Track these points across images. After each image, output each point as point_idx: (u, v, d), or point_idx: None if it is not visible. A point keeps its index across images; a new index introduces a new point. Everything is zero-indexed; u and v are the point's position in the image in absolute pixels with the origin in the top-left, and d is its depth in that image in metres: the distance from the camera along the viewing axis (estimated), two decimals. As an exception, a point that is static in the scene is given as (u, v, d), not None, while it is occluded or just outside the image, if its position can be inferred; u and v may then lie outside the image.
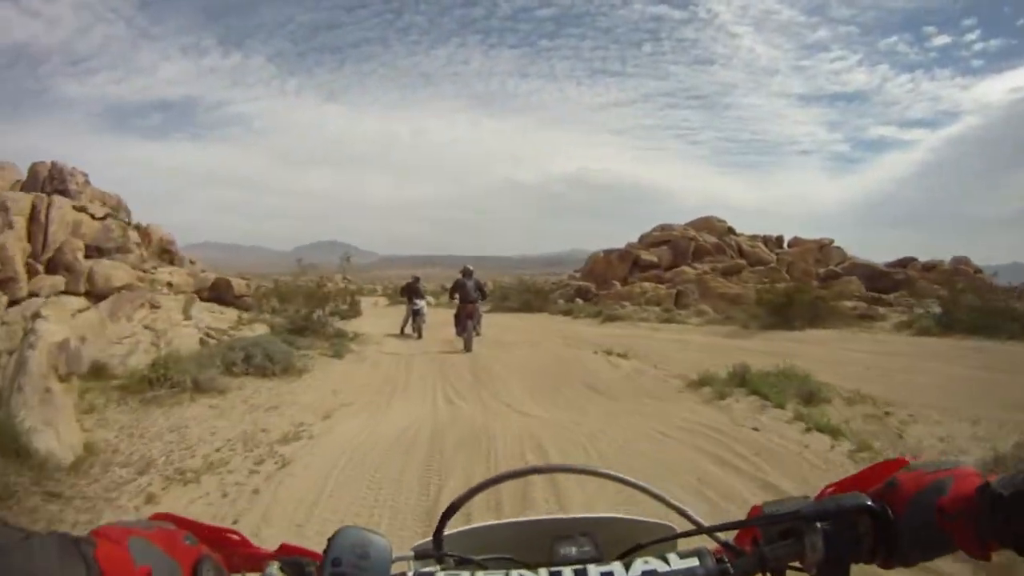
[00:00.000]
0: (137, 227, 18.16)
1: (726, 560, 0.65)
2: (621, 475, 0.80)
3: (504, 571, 0.64)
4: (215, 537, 0.66)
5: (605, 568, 0.63)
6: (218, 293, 17.34)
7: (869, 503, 0.63)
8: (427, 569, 0.69)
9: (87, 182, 22.39)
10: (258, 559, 0.66)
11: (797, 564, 0.65)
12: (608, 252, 35.46)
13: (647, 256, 33.35)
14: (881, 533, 0.63)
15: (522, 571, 0.64)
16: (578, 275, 36.95)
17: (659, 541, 0.77)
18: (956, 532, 0.59)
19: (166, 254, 23.83)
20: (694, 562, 0.63)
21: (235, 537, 0.68)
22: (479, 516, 2.46)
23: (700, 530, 0.72)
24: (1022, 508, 0.54)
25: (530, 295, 28.66)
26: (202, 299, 15.97)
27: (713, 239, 34.28)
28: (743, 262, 31.65)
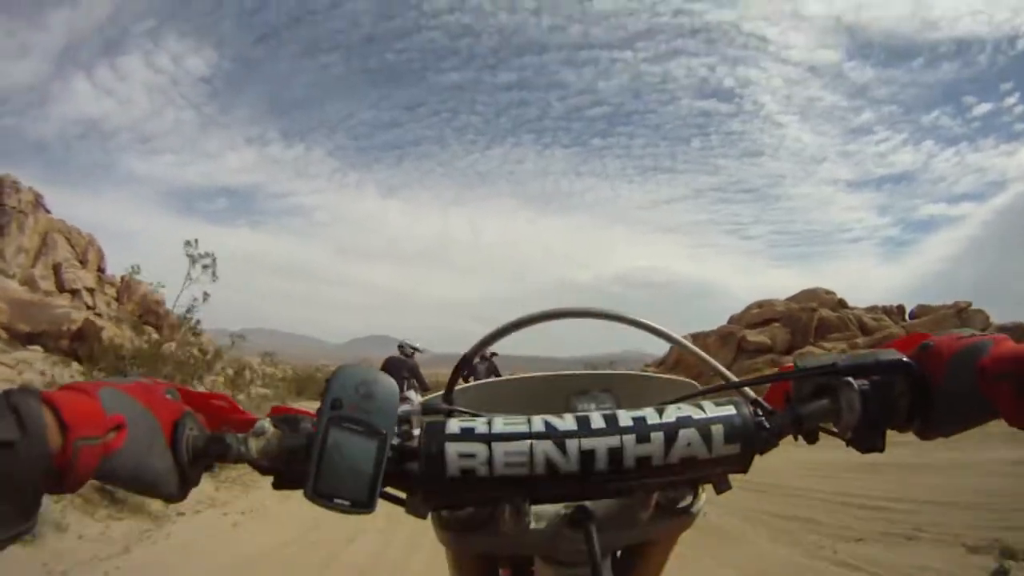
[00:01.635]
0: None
1: (760, 415, 0.60)
2: (648, 322, 0.76)
3: (525, 417, 0.57)
4: (200, 400, 0.60)
5: (637, 413, 0.57)
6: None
7: (907, 360, 0.59)
8: (437, 418, 0.59)
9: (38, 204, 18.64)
10: (247, 423, 0.58)
11: (831, 427, 0.62)
12: (702, 335, 27.91)
13: (755, 337, 25.69)
14: (917, 397, 0.59)
15: (546, 417, 0.57)
16: (654, 369, 29.24)
17: (684, 398, 0.65)
18: (999, 396, 0.54)
19: (152, 315, 22.90)
20: (731, 410, 0.58)
21: (222, 403, 0.61)
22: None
23: (728, 385, 0.69)
24: None
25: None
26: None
27: (831, 313, 26.68)
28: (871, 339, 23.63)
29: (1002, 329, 22.66)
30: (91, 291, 19.06)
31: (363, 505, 0.53)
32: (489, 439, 0.55)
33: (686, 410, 0.58)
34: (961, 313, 25.18)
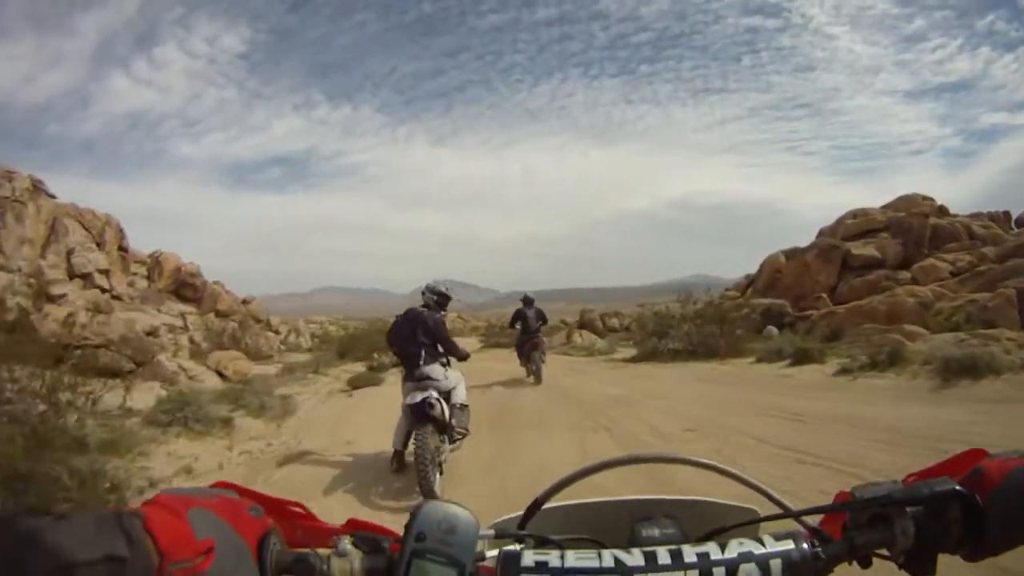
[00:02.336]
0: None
1: (817, 545, 0.63)
2: (714, 463, 0.79)
3: (596, 551, 0.60)
4: (279, 510, 0.62)
5: (701, 548, 0.60)
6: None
7: (959, 488, 0.61)
8: (515, 548, 0.63)
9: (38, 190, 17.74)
10: (325, 534, 0.62)
11: (884, 552, 0.64)
12: (798, 251, 24.14)
13: (861, 251, 21.86)
14: (969, 521, 0.61)
15: (614, 552, 0.60)
16: (736, 294, 26.12)
17: (745, 524, 0.74)
18: None
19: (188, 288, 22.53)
20: (789, 544, 0.61)
21: (299, 510, 0.63)
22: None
23: (787, 514, 0.71)
24: None
25: (708, 327, 16.43)
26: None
27: (940, 220, 22.54)
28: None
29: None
30: (105, 272, 17.65)
31: None
32: (562, 574, 0.58)
33: (747, 545, 0.60)
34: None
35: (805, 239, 25.34)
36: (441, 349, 5.68)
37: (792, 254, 24.76)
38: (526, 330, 11.72)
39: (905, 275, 20.00)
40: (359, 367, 16.52)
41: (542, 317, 11.88)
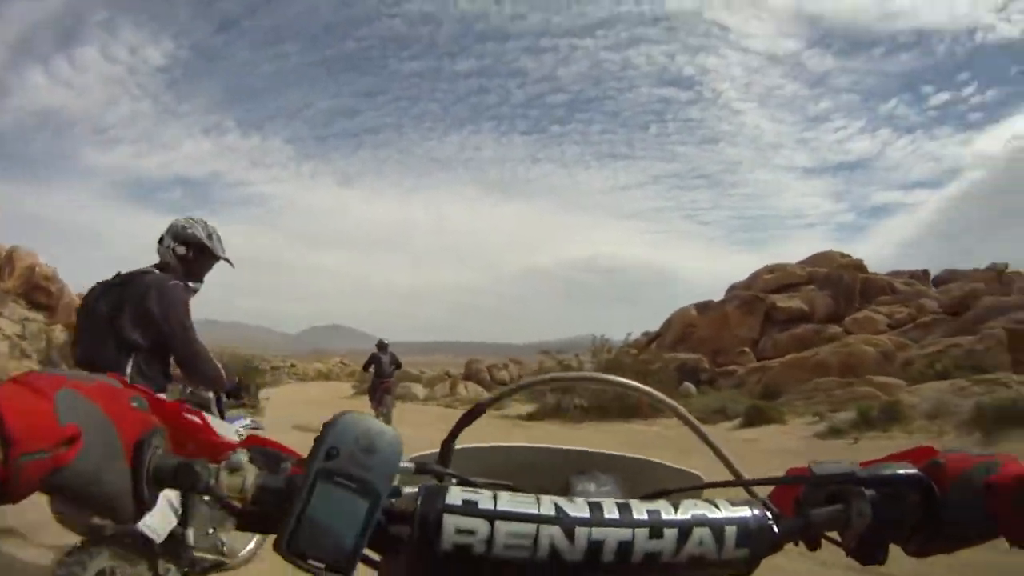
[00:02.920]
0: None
1: (771, 518, 0.56)
2: (659, 394, 0.72)
3: (534, 497, 0.52)
4: (171, 413, 0.53)
5: (652, 506, 0.53)
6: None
7: (921, 473, 0.58)
8: (438, 484, 0.55)
9: None
10: (221, 448, 0.52)
11: (834, 536, 0.59)
12: (713, 305, 21.55)
13: (786, 304, 19.54)
14: (925, 512, 0.58)
15: (556, 499, 0.51)
16: (635, 350, 23.14)
17: (689, 489, 0.66)
18: (1003, 516, 0.54)
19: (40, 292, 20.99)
20: (746, 512, 0.54)
21: (195, 420, 0.54)
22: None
23: (738, 482, 0.66)
24: None
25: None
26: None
27: (874, 275, 21.11)
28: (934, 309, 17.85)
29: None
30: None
31: (340, 570, 0.46)
32: (493, 516, 0.49)
33: (702, 507, 0.54)
34: (1002, 276, 19.73)
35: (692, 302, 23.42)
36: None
37: (705, 307, 22.29)
38: (379, 374, 11.47)
39: (835, 329, 17.85)
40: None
41: (396, 362, 11.76)
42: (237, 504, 0.48)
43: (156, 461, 0.48)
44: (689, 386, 16.26)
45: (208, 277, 2.93)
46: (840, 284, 19.83)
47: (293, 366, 46.50)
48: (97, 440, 0.43)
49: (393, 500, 0.51)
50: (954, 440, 7.28)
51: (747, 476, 0.65)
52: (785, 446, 8.71)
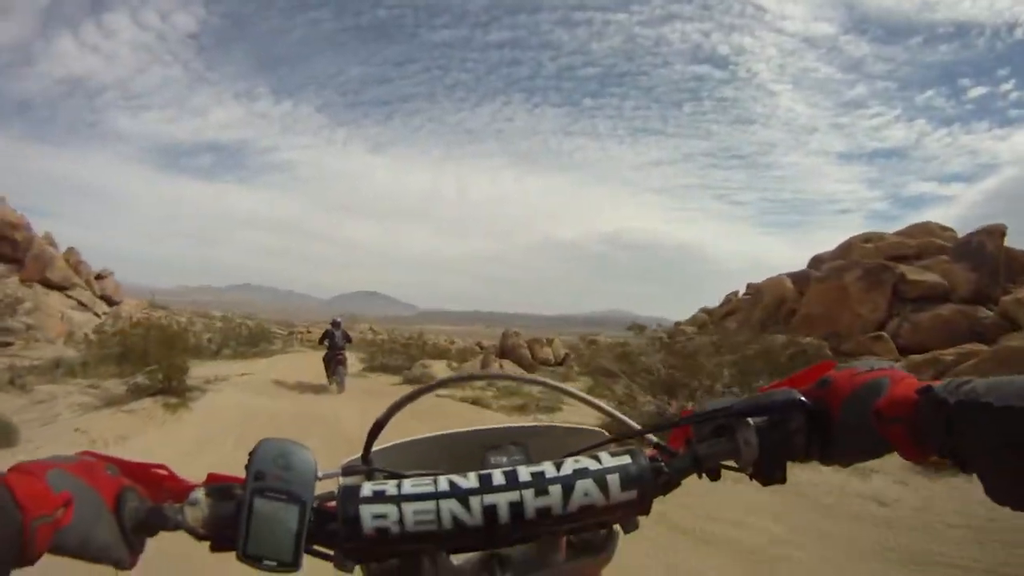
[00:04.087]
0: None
1: (661, 460, 0.66)
2: (552, 382, 0.88)
3: (432, 478, 0.63)
4: (139, 471, 0.63)
5: (536, 468, 0.63)
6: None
7: (800, 398, 0.63)
8: (353, 481, 0.66)
9: None
10: (185, 490, 0.63)
11: (732, 464, 0.65)
12: (828, 273, 17.49)
13: (919, 277, 15.61)
14: (814, 431, 0.63)
15: (450, 477, 0.62)
16: (692, 329, 19.74)
17: (592, 447, 0.72)
18: (893, 436, 0.58)
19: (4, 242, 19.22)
20: (626, 459, 0.63)
21: (161, 472, 0.64)
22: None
23: (632, 433, 0.74)
24: (966, 418, 0.52)
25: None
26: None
27: (1011, 248, 16.57)
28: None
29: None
30: None
31: (289, 565, 0.59)
32: (399, 500, 0.60)
33: (583, 462, 0.63)
34: None
35: (728, 284, 19.88)
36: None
37: (802, 278, 18.38)
38: (332, 347, 13.19)
39: (985, 313, 13.82)
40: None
41: (347, 338, 13.69)
42: (202, 531, 0.60)
43: (133, 512, 0.58)
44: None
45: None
46: (981, 255, 15.61)
47: (309, 332, 43.09)
48: (85, 503, 0.54)
49: (328, 502, 0.63)
50: None
51: (640, 427, 0.76)
52: None
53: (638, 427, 0.76)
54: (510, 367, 20.70)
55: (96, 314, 21.05)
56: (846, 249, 19.69)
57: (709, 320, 24.90)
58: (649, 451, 0.68)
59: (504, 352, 23.81)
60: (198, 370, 13.82)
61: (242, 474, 0.62)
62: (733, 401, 0.65)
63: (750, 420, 0.63)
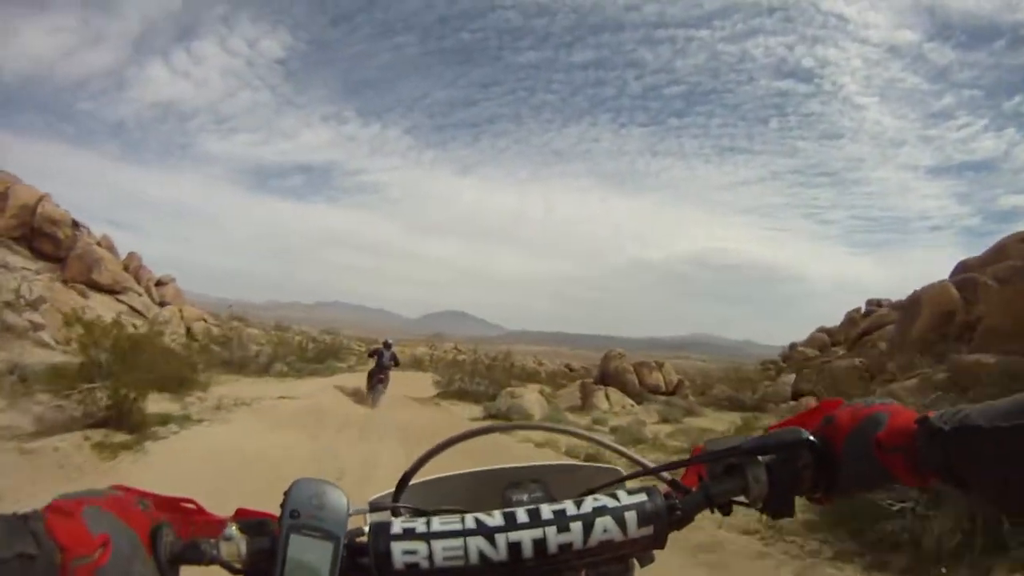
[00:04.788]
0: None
1: (675, 497, 0.68)
2: (574, 429, 0.96)
3: (459, 515, 0.65)
4: (169, 505, 0.65)
5: (557, 506, 0.65)
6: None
7: (807, 436, 0.66)
8: (383, 519, 0.69)
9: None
10: (216, 525, 0.64)
11: (743, 499, 0.68)
12: (1008, 275, 13.40)
13: None
14: (821, 466, 0.66)
15: (477, 515, 0.65)
16: (813, 351, 15.84)
17: (609, 484, 0.78)
18: (894, 465, 0.62)
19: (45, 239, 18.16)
20: (643, 497, 0.66)
21: (190, 505, 0.66)
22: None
23: (647, 471, 0.79)
24: (962, 443, 0.56)
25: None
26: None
27: None
28: None
29: None
30: None
31: None
32: (428, 537, 0.63)
33: (602, 500, 0.65)
34: None
35: (817, 306, 16.54)
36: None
37: (968, 284, 14.25)
38: (379, 365, 14.30)
39: None
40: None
41: (395, 359, 14.88)
42: (238, 566, 0.61)
43: (168, 547, 0.58)
44: None
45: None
46: None
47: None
48: (122, 542, 0.54)
49: (358, 538, 0.66)
50: None
51: (654, 466, 0.81)
52: None
53: (653, 465, 0.80)
54: (617, 396, 17.53)
55: (144, 319, 19.59)
56: (999, 251, 15.55)
57: (830, 342, 22.72)
58: (664, 488, 0.70)
59: (606, 377, 20.28)
60: (222, 388, 11.95)
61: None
62: (743, 440, 0.68)
63: (760, 458, 0.66)
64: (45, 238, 18.13)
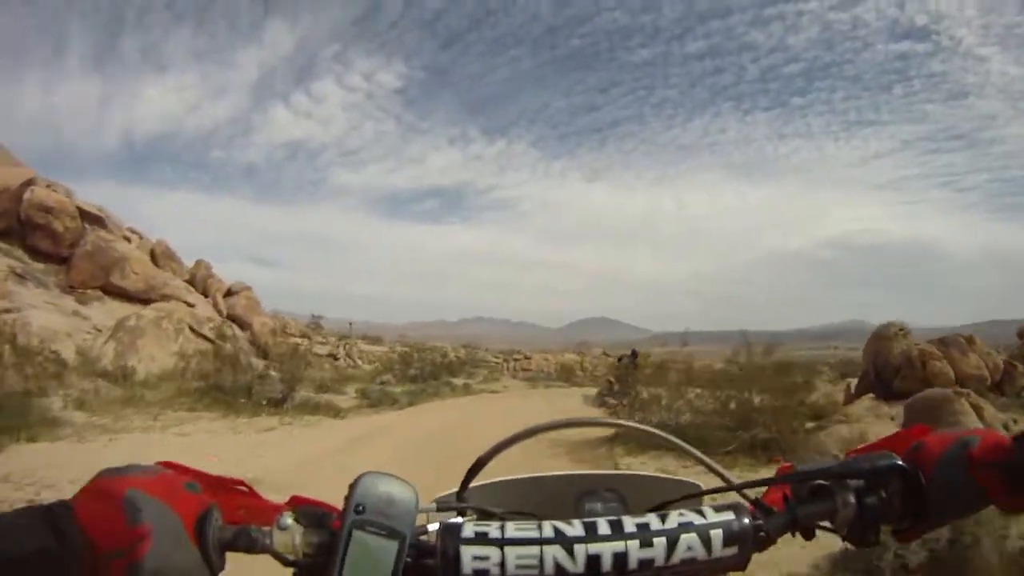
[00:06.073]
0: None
1: (759, 517, 0.64)
2: (655, 430, 0.81)
3: (535, 522, 0.61)
4: (220, 487, 0.61)
5: (640, 519, 0.61)
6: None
7: (899, 463, 0.62)
8: (455, 520, 0.64)
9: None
10: (268, 511, 0.61)
11: (827, 524, 0.65)
12: None
13: None
14: (910, 494, 0.62)
15: (555, 523, 0.61)
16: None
17: (687, 498, 0.75)
18: (988, 483, 0.58)
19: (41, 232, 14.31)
20: (730, 516, 0.62)
21: (242, 488, 0.63)
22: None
23: (729, 487, 0.73)
24: None
25: None
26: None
27: None
28: None
29: None
30: None
31: None
32: (502, 543, 0.58)
33: (688, 516, 0.61)
34: None
35: (964, 281, 11.50)
36: None
37: None
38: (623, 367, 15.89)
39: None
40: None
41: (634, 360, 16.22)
42: (291, 558, 0.57)
43: (217, 533, 0.55)
44: None
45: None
46: None
47: (528, 358, 35.31)
48: (165, 530, 0.51)
49: (422, 537, 0.63)
50: None
51: (738, 482, 0.73)
52: None
53: (735, 481, 0.74)
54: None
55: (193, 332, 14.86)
56: None
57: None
58: (745, 506, 0.65)
59: (879, 369, 12.52)
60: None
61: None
62: (832, 463, 0.64)
63: (849, 483, 0.63)
64: (38, 231, 13.92)
